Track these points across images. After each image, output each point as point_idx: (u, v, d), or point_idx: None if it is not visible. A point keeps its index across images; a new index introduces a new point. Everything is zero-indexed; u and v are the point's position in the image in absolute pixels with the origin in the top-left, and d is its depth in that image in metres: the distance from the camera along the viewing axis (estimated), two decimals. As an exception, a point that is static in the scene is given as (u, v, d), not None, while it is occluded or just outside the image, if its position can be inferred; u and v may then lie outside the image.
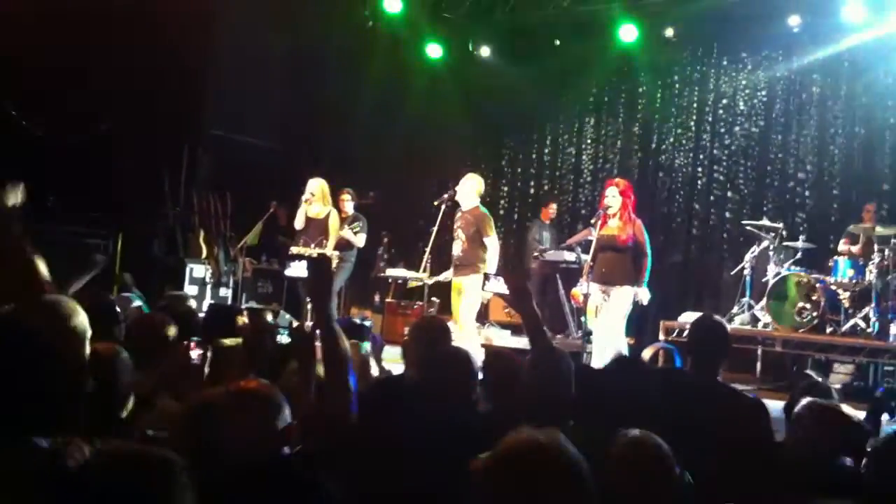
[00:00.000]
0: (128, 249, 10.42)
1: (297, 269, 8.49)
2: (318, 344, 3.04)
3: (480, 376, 3.47)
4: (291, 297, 9.85)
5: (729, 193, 10.96)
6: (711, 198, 11.10)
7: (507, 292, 3.64)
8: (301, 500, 2.39)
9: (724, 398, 3.71)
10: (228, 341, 3.81)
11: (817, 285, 8.47)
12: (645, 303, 7.23)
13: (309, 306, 8.35)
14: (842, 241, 8.95)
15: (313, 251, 8.63)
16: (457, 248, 7.85)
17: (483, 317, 10.08)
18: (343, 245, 8.94)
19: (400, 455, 2.70)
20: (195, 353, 3.65)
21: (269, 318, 5.13)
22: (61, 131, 9.97)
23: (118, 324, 3.69)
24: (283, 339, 3.75)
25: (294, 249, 8.88)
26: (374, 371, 4.65)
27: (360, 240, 9.23)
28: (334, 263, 8.49)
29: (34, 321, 2.22)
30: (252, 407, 2.50)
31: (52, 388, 1.87)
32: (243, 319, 4.40)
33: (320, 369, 3.23)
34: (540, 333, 3.46)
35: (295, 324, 7.39)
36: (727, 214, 10.84)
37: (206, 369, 3.60)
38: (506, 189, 12.75)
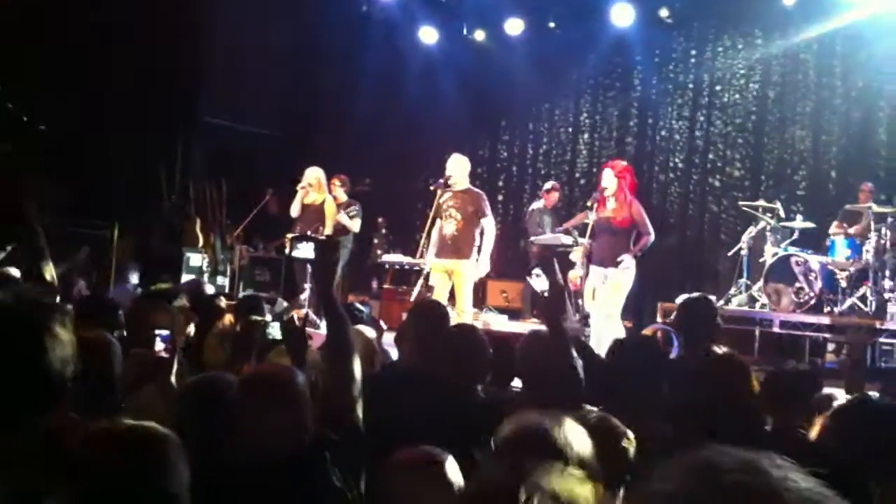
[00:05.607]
0: (125, 239, 10.40)
1: (305, 251, 8.21)
2: (312, 332, 2.94)
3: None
4: (288, 285, 9.83)
5: (727, 170, 10.94)
6: (708, 178, 11.06)
7: (546, 290, 3.48)
8: (314, 497, 2.32)
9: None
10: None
11: (814, 265, 8.45)
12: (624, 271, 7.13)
13: (304, 295, 8.34)
14: (834, 224, 8.85)
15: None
16: (450, 228, 7.61)
17: (481, 301, 10.07)
18: (339, 230, 8.91)
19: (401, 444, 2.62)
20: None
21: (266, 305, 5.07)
22: (60, 124, 9.93)
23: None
24: (275, 332, 3.67)
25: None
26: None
27: (355, 224, 9.20)
28: (331, 250, 8.45)
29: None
30: (278, 396, 2.39)
31: (50, 370, 1.84)
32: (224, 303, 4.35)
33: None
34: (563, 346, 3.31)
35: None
36: (724, 195, 10.81)
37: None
38: (503, 175, 12.71)
